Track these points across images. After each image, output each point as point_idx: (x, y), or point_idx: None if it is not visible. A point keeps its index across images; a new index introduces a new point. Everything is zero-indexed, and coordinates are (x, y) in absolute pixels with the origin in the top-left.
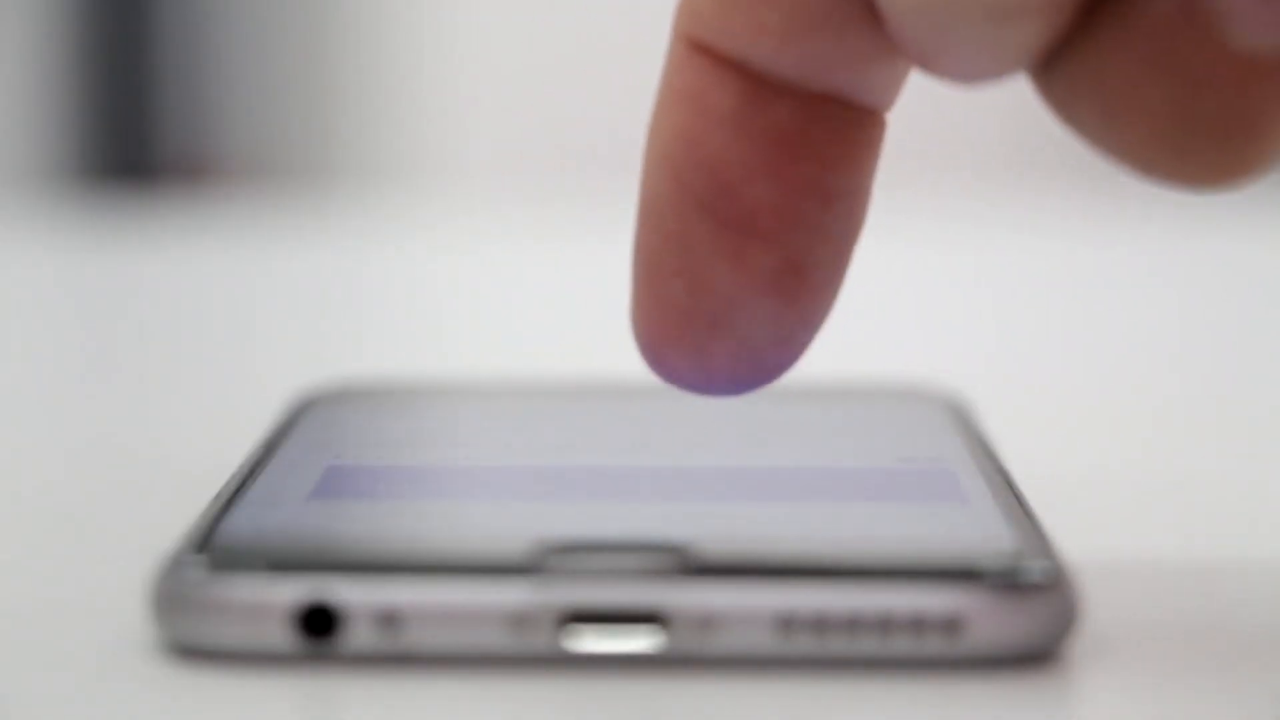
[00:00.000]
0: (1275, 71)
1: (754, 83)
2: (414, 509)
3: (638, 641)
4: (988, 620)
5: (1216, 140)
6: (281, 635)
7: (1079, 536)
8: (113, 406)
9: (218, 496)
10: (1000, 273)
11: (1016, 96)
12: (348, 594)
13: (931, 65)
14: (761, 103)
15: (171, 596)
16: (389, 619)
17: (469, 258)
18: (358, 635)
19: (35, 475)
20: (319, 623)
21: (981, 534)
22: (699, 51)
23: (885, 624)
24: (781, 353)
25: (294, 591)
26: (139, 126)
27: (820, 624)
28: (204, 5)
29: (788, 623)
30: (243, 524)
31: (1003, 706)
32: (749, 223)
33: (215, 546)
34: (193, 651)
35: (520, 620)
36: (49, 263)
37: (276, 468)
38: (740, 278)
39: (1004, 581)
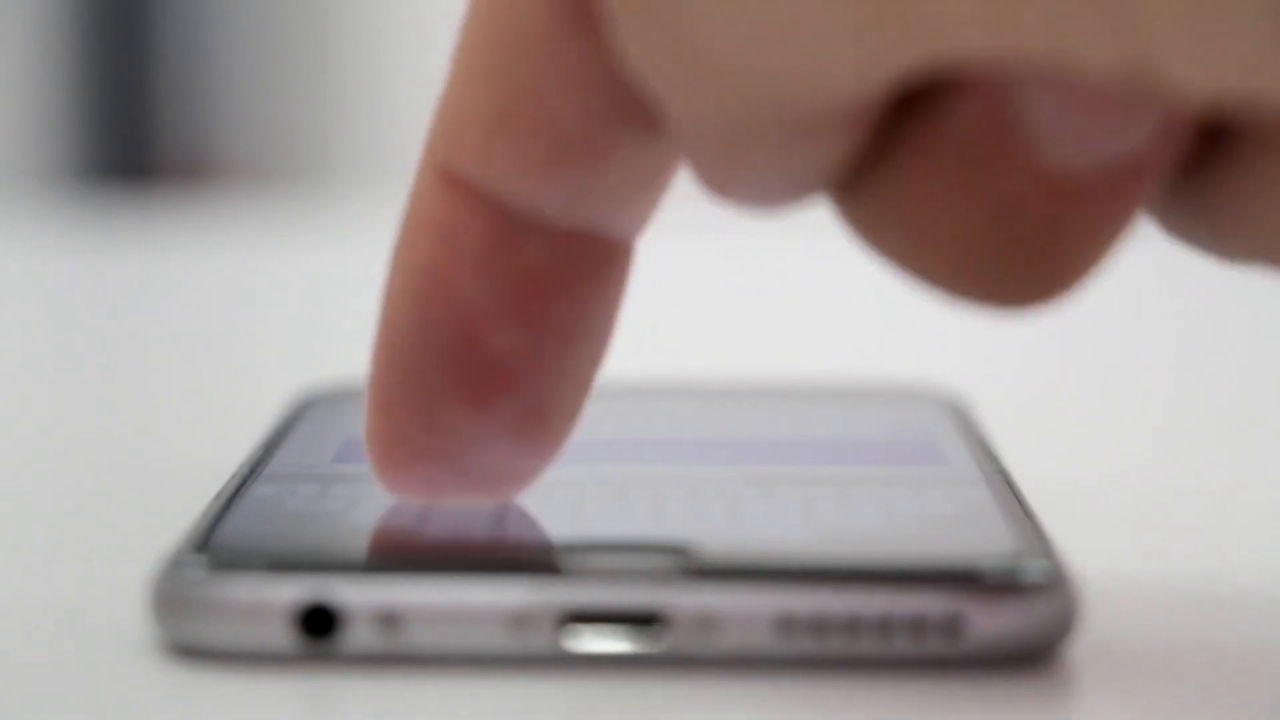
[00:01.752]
0: (1085, 191)
1: (504, 220)
2: (414, 509)
3: (638, 641)
4: (988, 620)
5: (1029, 264)
6: (281, 635)
7: (1079, 537)
8: (113, 406)
9: (218, 496)
10: None
11: None
12: (348, 594)
13: (726, 192)
14: (512, 243)
15: (171, 596)
16: (389, 619)
17: None
18: (358, 635)
19: (35, 475)
20: (319, 623)
21: (981, 534)
22: (449, 183)
23: (885, 624)
24: (513, 481)
25: (294, 591)
26: (139, 126)
27: (820, 624)
28: (204, 5)
29: (788, 623)
30: (243, 524)
31: (1003, 706)
32: (492, 372)
33: (215, 546)
34: (193, 651)
35: (520, 620)
36: (49, 263)
37: (276, 468)
38: (478, 423)
39: (1004, 582)
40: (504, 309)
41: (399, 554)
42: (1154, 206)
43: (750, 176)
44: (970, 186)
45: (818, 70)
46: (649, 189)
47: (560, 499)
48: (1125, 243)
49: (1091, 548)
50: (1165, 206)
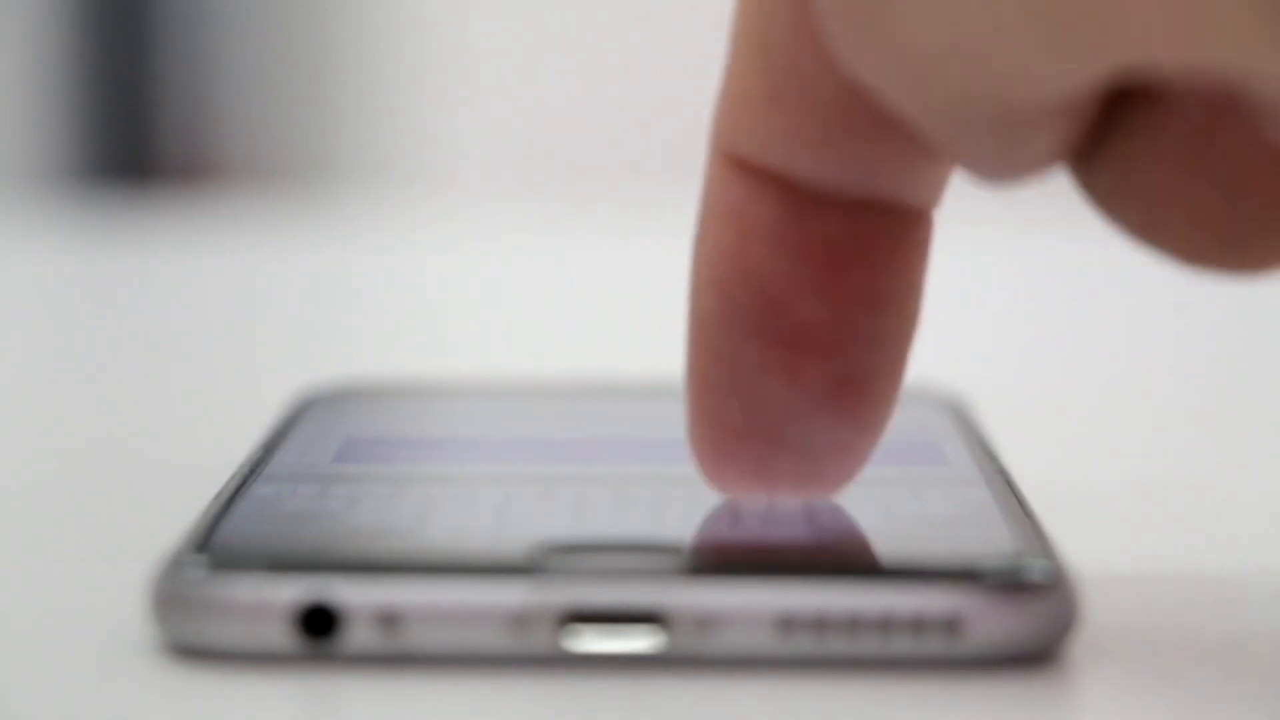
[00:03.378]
0: None
1: (795, 195)
2: (414, 509)
3: (638, 641)
4: (988, 620)
5: (1262, 234)
6: (281, 635)
7: (1079, 537)
8: (113, 406)
9: (218, 496)
10: (1000, 273)
11: None
12: (348, 594)
13: (963, 165)
14: (804, 215)
15: (171, 596)
16: (389, 619)
17: (468, 258)
18: (358, 635)
19: (35, 475)
20: (319, 623)
21: (981, 534)
22: (737, 166)
23: (885, 624)
24: (842, 461)
25: (294, 591)
26: (139, 126)
27: (820, 624)
28: (204, 5)
29: (788, 623)
30: (243, 524)
31: (1003, 706)
32: (800, 339)
33: (215, 546)
34: (193, 651)
35: (520, 620)
36: (49, 263)
37: (276, 467)
38: (795, 394)
39: (1004, 581)
40: (804, 280)
41: (399, 554)
42: (1071, 168)
43: (979, 158)
44: (1199, 162)
45: (1016, 73)
46: (929, 165)
47: (560, 499)
48: None
49: (1091, 548)
50: (1077, 169)
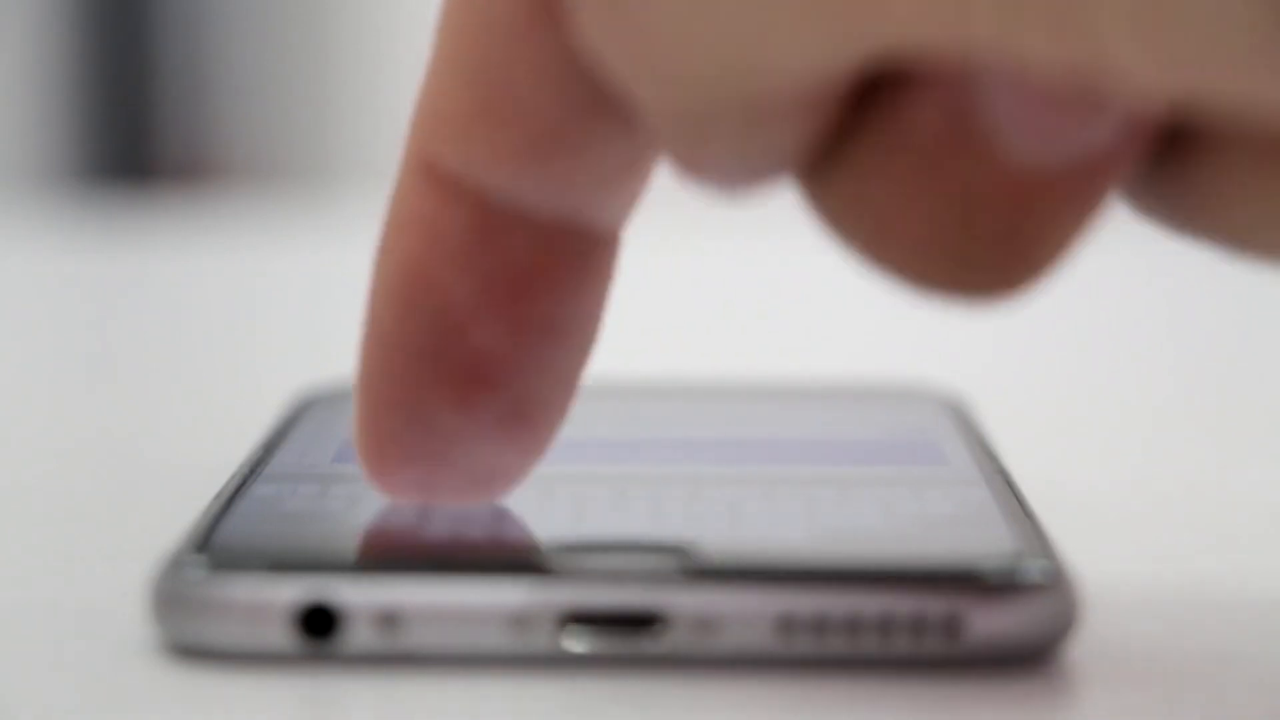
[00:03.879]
0: (1048, 185)
1: (487, 213)
2: (414, 509)
3: (638, 641)
4: (988, 620)
5: (992, 257)
6: (281, 635)
7: (1078, 537)
8: (113, 406)
9: (218, 496)
10: None
11: None
12: (348, 594)
13: (690, 171)
14: (494, 235)
15: (171, 596)
16: (389, 619)
17: None
18: (358, 635)
19: (35, 475)
20: (319, 623)
21: (981, 534)
22: (430, 177)
23: (885, 624)
24: (504, 478)
25: (294, 591)
26: (139, 126)
27: (820, 624)
28: (204, 5)
29: (788, 623)
30: (243, 524)
31: (1002, 706)
32: (476, 369)
33: (215, 546)
34: (193, 651)
35: (520, 620)
36: (49, 263)
37: (276, 467)
38: (465, 419)
39: (1004, 581)
40: (487, 303)
41: (399, 554)
42: (1124, 194)
43: (715, 161)
44: (931, 178)
45: (771, 58)
46: (630, 179)
47: (560, 499)
48: (1090, 236)
49: (1091, 548)
50: (1135, 195)
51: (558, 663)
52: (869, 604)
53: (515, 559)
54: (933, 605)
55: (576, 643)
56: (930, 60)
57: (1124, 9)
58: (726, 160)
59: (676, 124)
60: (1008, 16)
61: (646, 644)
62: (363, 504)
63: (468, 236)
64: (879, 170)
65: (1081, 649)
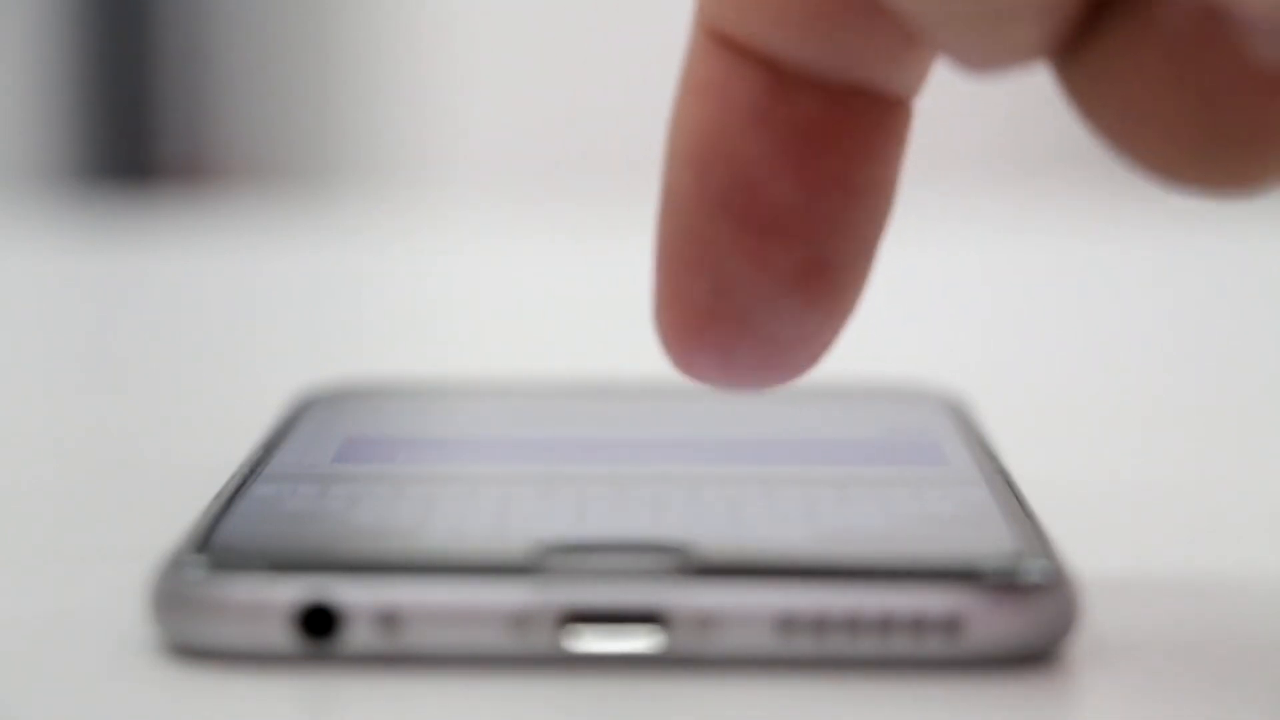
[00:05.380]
0: None
1: (777, 75)
2: (414, 509)
3: (638, 641)
4: (988, 620)
5: (1237, 150)
6: (281, 635)
7: (1078, 537)
8: (113, 406)
9: (218, 496)
10: (1000, 273)
11: (1017, 96)
12: (348, 594)
13: (946, 53)
14: (785, 95)
15: (171, 596)
16: (389, 619)
17: (469, 258)
18: (358, 635)
19: (35, 475)
20: (319, 623)
21: (981, 534)
22: (720, 43)
23: (885, 624)
24: (806, 350)
25: (294, 591)
26: (139, 126)
27: (820, 624)
28: (204, 6)
29: (788, 623)
30: (243, 524)
31: (1002, 706)
32: (772, 221)
33: (215, 546)
34: (193, 651)
35: (520, 620)
36: (49, 263)
37: (276, 467)
38: (763, 276)
39: (1004, 581)
40: (779, 161)
41: (399, 554)
42: (1056, 78)
43: (969, 45)
44: (1178, 70)
45: None
46: (912, 53)
47: (560, 499)
48: None
49: (1091, 548)
50: (1060, 80)
51: (558, 663)
52: (869, 604)
53: (515, 559)
54: (933, 605)
55: (576, 642)
56: None
57: None
58: (978, 48)
59: (918, 12)
60: None
61: (646, 644)
62: (363, 504)
63: (759, 98)
64: (1128, 59)
65: (1081, 649)
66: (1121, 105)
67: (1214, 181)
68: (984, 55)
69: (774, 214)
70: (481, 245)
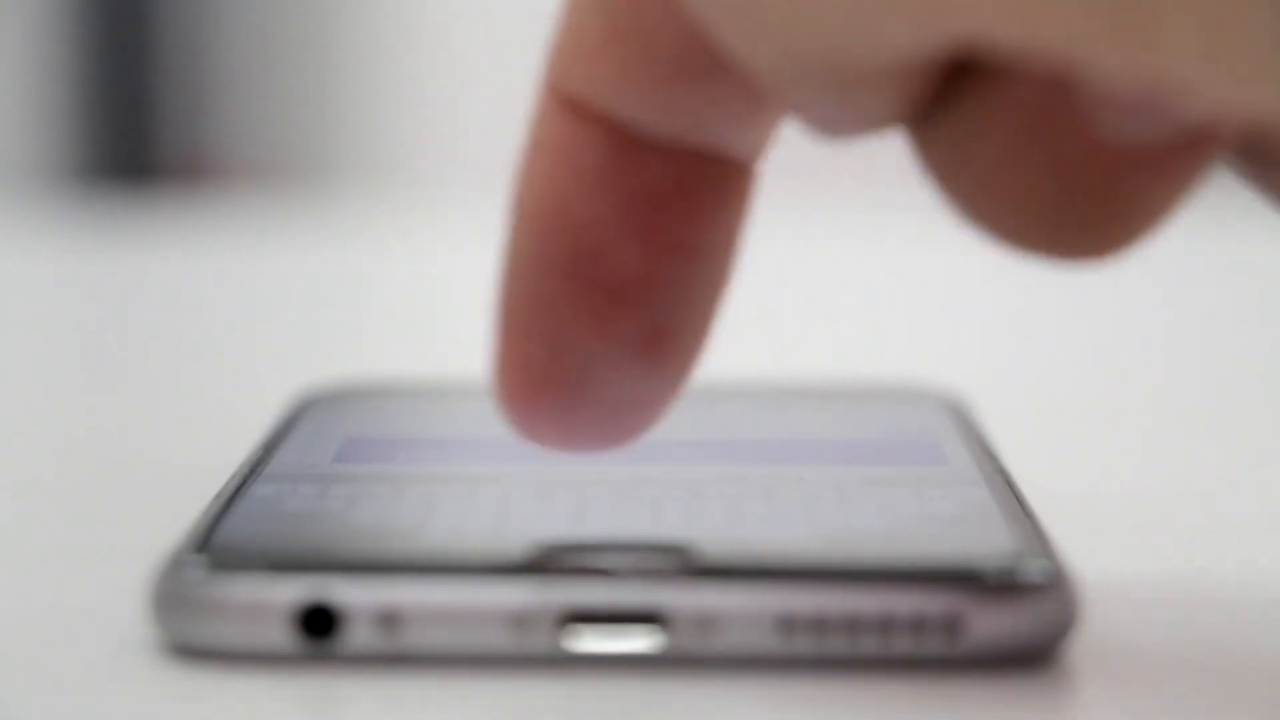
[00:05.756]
0: (1145, 157)
1: (623, 139)
2: (414, 509)
3: (638, 641)
4: (988, 620)
5: (1086, 223)
6: (281, 635)
7: (1078, 537)
8: (112, 406)
9: (218, 496)
10: (1000, 273)
11: None
12: (348, 594)
13: (799, 118)
14: (630, 160)
15: (171, 596)
16: (389, 619)
17: (469, 258)
18: (358, 635)
19: (35, 475)
20: (319, 623)
21: (981, 534)
22: (566, 104)
23: (885, 624)
24: (644, 413)
25: (294, 591)
26: (139, 126)
27: (820, 624)
28: (204, 5)
29: (788, 623)
30: (243, 524)
31: (1002, 706)
32: (614, 289)
33: (215, 546)
34: (193, 651)
35: (520, 620)
36: (49, 263)
37: (276, 467)
38: (603, 343)
39: (1004, 581)
40: (622, 225)
41: (399, 554)
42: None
43: (817, 114)
44: (1030, 142)
45: (853, 33)
46: (760, 113)
47: (560, 499)
48: (1187, 201)
49: (1091, 548)
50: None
51: (558, 663)
52: (869, 604)
53: (515, 559)
54: (933, 605)
55: (576, 642)
56: (1003, 56)
57: (1190, 29)
58: (828, 114)
59: (771, 79)
60: (1073, 23)
61: (646, 644)
62: (363, 504)
63: (602, 161)
64: (979, 132)
65: (1081, 649)
66: (973, 176)
67: (1064, 252)
68: (837, 122)
69: (616, 281)
70: (481, 245)
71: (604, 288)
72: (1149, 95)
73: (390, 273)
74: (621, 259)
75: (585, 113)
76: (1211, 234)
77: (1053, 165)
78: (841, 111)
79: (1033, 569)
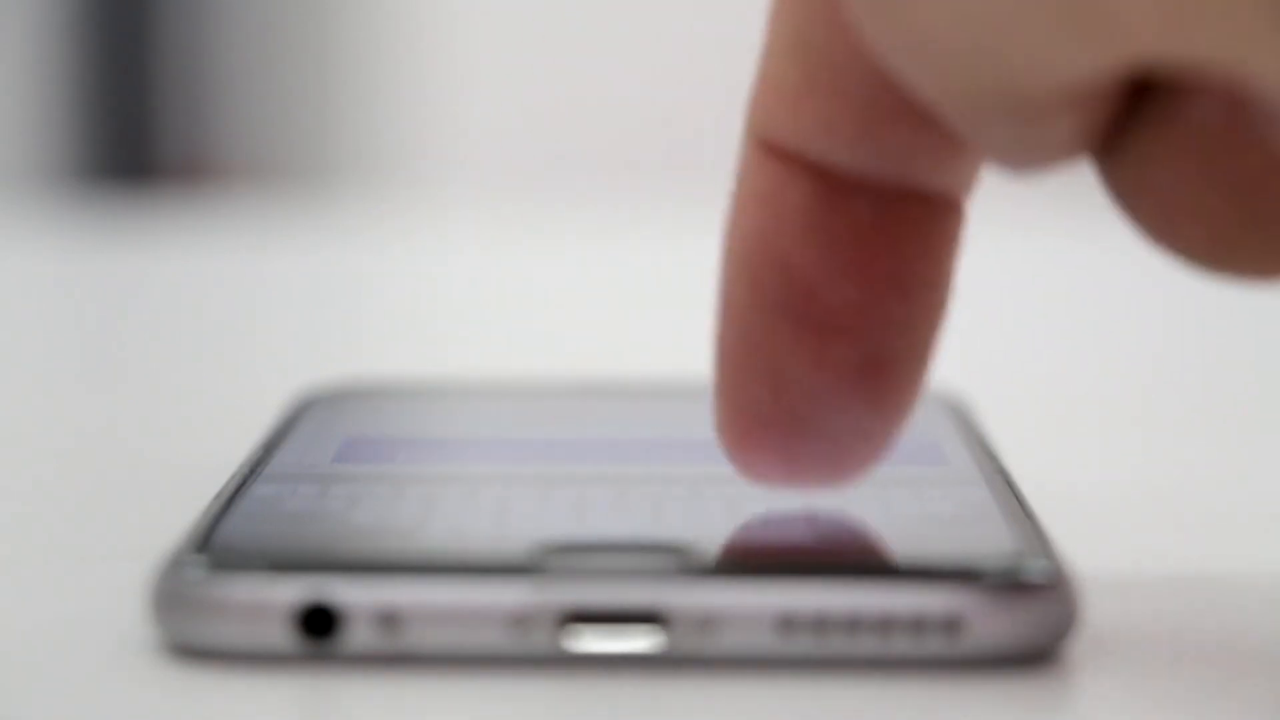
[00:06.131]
0: None
1: (827, 181)
2: (414, 509)
3: (638, 641)
4: (988, 620)
5: (1271, 240)
6: (281, 635)
7: (1078, 537)
8: (112, 406)
9: (218, 496)
10: (1000, 273)
11: None
12: (348, 594)
13: (987, 153)
14: (837, 200)
15: (171, 596)
16: (389, 619)
17: (469, 258)
18: (358, 635)
19: (35, 475)
20: (319, 623)
21: (981, 534)
22: (771, 152)
23: (885, 624)
24: (866, 448)
25: (294, 591)
26: (139, 126)
27: (820, 624)
28: (204, 5)
29: (788, 623)
30: (243, 524)
31: (1002, 706)
32: (829, 322)
33: (215, 546)
34: (193, 651)
35: (520, 620)
36: (49, 263)
37: (276, 468)
38: (822, 377)
39: (1004, 581)
40: (834, 265)
41: (399, 554)
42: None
43: (1000, 146)
44: (1210, 165)
45: (1028, 63)
46: (962, 148)
47: (560, 499)
48: None
49: (1091, 548)
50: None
51: (558, 663)
52: (869, 604)
53: (515, 559)
54: (933, 605)
55: (576, 643)
56: (1183, 75)
57: None
58: (1012, 146)
59: (954, 115)
60: (1236, 40)
61: (646, 644)
62: (363, 504)
63: (810, 206)
64: (1163, 157)
65: (1081, 649)
66: (1158, 199)
67: (1249, 272)
68: (1023, 155)
69: (831, 315)
70: (481, 245)
71: (819, 322)
72: None
73: (390, 273)
74: (834, 294)
75: (790, 158)
76: None
77: (1235, 182)
78: (1024, 144)
79: (1033, 569)
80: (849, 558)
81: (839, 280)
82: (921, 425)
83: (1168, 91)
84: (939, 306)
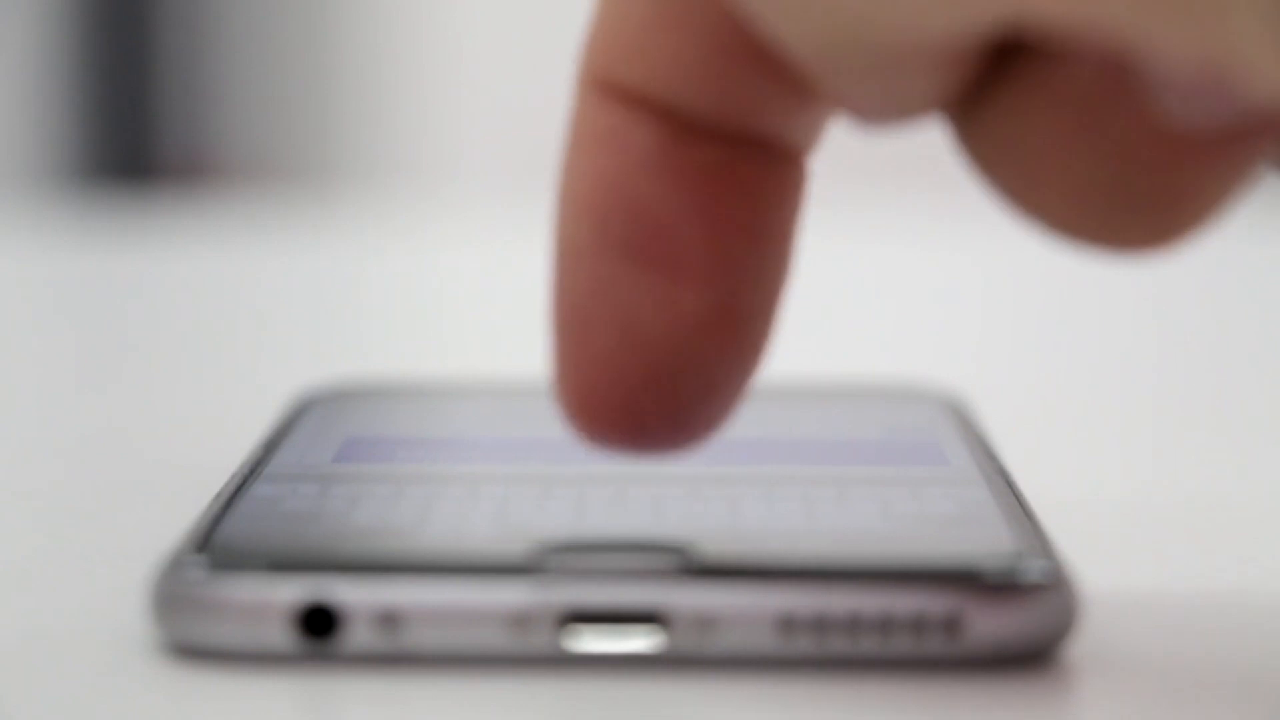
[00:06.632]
0: (1205, 147)
1: (673, 122)
2: (414, 509)
3: (638, 641)
4: (987, 620)
5: (1140, 210)
6: (281, 635)
7: (1078, 537)
8: (113, 406)
9: (218, 496)
10: (1001, 273)
11: None
12: (348, 594)
13: (840, 104)
14: (683, 142)
15: (171, 596)
16: (389, 619)
17: (469, 258)
18: (358, 635)
19: (35, 475)
20: (319, 623)
21: (981, 534)
22: (611, 94)
23: (885, 624)
24: (712, 411)
25: (294, 591)
26: (139, 126)
27: (820, 624)
28: (204, 5)
29: (788, 623)
30: (243, 524)
31: (1002, 706)
32: (680, 264)
33: (215, 546)
34: (193, 651)
35: (520, 620)
36: (49, 263)
37: (276, 467)
38: (671, 322)
39: (1004, 581)
40: (684, 205)
41: (399, 554)
42: (952, 130)
43: (861, 99)
44: (1083, 128)
45: (896, 17)
46: (812, 101)
47: (560, 499)
48: (1242, 194)
49: (1091, 548)
50: (956, 132)
51: (558, 663)
52: (869, 603)
53: (515, 559)
54: (933, 605)
55: (576, 642)
56: (1062, 39)
57: (1258, 11)
58: (869, 100)
59: (813, 64)
60: (1137, 9)
61: (646, 644)
62: (363, 504)
63: (658, 143)
64: (1031, 117)
65: (1081, 649)
66: (1021, 163)
67: (1117, 242)
68: (879, 109)
69: (679, 254)
70: (481, 245)
71: (668, 264)
72: (1212, 79)
73: (390, 272)
74: (683, 234)
75: (634, 100)
76: (1213, 234)
77: (1107, 152)
78: (883, 98)
79: (1033, 569)
80: (849, 558)
81: (688, 219)
82: (921, 425)
83: (1037, 52)
84: (784, 261)
